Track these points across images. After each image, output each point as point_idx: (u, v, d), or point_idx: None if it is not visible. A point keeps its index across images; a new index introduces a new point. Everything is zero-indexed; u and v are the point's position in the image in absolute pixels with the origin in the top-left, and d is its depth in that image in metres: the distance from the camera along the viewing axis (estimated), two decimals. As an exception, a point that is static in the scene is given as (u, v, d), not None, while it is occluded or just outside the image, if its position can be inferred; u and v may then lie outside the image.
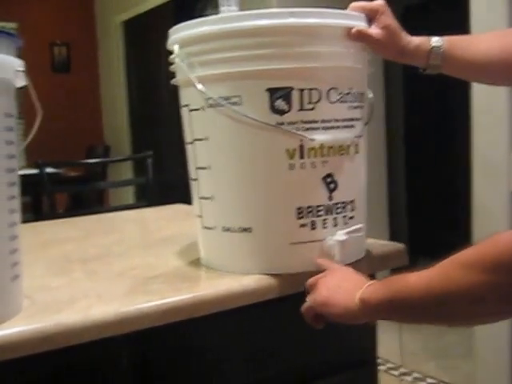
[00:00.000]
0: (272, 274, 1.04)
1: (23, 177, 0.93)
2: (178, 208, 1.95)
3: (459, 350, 3.14)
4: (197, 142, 1.08)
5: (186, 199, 1.95)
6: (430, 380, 2.89)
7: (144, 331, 0.94)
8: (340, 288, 0.92)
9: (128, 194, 4.78)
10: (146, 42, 5.00)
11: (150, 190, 2.62)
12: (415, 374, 2.96)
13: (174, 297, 0.96)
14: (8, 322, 0.87)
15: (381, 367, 3.01)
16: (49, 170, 2.76)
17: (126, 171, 4.90)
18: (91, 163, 3.97)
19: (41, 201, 4.00)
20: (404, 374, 2.97)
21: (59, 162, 3.78)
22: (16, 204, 0.90)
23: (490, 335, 2.48)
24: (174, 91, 1.16)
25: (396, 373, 2.99)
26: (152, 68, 4.86)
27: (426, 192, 4.48)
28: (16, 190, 0.90)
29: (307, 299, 0.97)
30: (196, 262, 1.17)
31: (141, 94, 5.37)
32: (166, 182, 3.77)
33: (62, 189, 3.36)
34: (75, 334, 0.88)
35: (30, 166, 3.31)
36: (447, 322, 0.87)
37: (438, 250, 0.82)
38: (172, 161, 4.24)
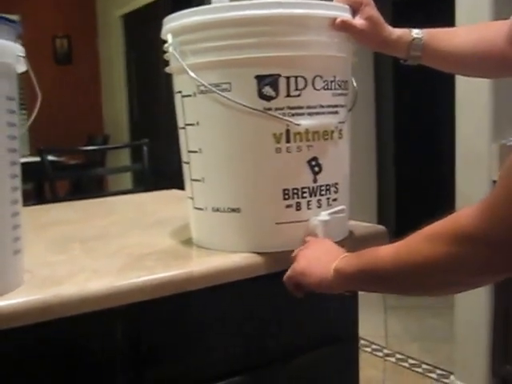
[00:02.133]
0: (259, 252, 1.06)
1: (26, 164, 0.94)
2: (172, 193, 1.96)
3: (440, 333, 3.17)
4: (188, 127, 1.10)
5: (180, 186, 1.97)
6: (412, 361, 2.92)
7: (137, 304, 0.96)
8: (318, 259, 0.95)
9: (126, 180, 4.79)
10: (145, 34, 4.99)
11: (146, 176, 2.64)
12: (398, 356, 2.99)
13: (165, 272, 0.98)
14: (10, 293, 0.89)
15: (366, 349, 3.05)
16: (50, 157, 2.77)
17: (124, 159, 4.91)
18: (91, 150, 3.98)
19: (43, 188, 4.01)
20: (388, 355, 3.00)
21: (60, 148, 3.79)
22: (18, 183, 0.91)
23: (469, 320, 2.51)
24: (171, 82, 1.18)
25: (380, 354, 3.02)
26: (151, 60, 4.85)
27: (413, 179, 4.49)
28: (17, 170, 0.91)
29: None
30: (188, 242, 1.19)
31: (140, 85, 5.37)
32: (161, 170, 3.78)
33: (63, 175, 3.37)
34: (73, 306, 0.90)
35: (32, 154, 3.32)
36: (418, 292, 0.90)
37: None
38: (168, 150, 4.25)
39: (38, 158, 2.68)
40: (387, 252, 0.82)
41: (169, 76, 1.17)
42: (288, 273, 0.99)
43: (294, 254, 1.01)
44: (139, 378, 1.01)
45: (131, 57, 5.44)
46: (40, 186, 4.00)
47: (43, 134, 4.27)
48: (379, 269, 0.83)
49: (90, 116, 5.80)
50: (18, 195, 0.92)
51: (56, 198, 2.58)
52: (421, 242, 0.77)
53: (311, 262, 0.95)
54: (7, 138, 0.87)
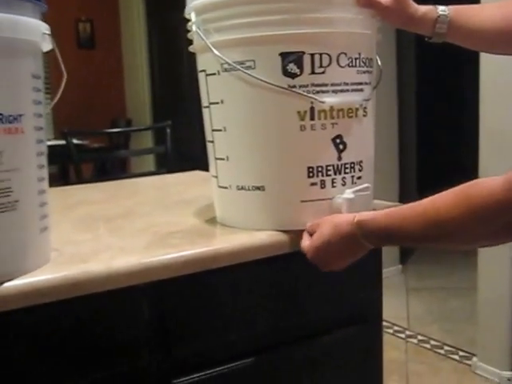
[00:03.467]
0: (283, 231, 1.06)
1: (50, 147, 0.94)
2: (196, 174, 1.96)
3: (463, 315, 3.16)
4: (212, 106, 1.09)
5: (203, 168, 1.96)
6: (434, 342, 2.91)
7: (163, 282, 0.96)
8: (337, 217, 0.98)
9: (149, 163, 4.80)
10: (167, 17, 4.97)
11: (169, 158, 2.65)
12: (420, 337, 2.98)
13: (191, 250, 0.98)
14: (38, 270, 0.89)
15: (388, 330, 3.04)
16: (74, 141, 2.78)
17: (147, 143, 4.92)
18: (114, 133, 3.99)
19: (67, 171, 4.04)
20: (410, 336, 3.00)
21: (84, 131, 3.80)
22: (44, 161, 0.91)
23: (492, 301, 2.49)
24: (196, 65, 1.17)
25: (402, 335, 3.01)
26: (173, 43, 4.85)
27: (435, 159, 4.44)
28: (44, 148, 0.91)
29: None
30: (212, 221, 1.19)
31: (162, 69, 5.36)
32: (184, 152, 3.78)
33: (88, 157, 3.39)
34: (100, 282, 0.90)
35: (57, 138, 3.33)
36: (445, 248, 0.90)
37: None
38: (190, 133, 4.25)
39: (62, 142, 2.70)
40: (414, 208, 0.84)
41: (191, 59, 1.16)
42: (307, 242, 1.00)
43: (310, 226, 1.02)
44: (165, 355, 1.01)
45: (153, 40, 5.43)
46: (64, 169, 4.03)
47: (67, 118, 4.29)
48: (406, 231, 0.84)
49: (113, 100, 5.81)
50: (45, 173, 0.92)
51: (81, 181, 2.59)
52: (448, 205, 0.78)
53: (331, 222, 0.96)
54: (34, 116, 0.87)
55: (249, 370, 1.09)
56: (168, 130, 2.65)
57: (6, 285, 0.84)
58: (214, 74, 1.06)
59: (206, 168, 1.90)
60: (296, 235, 1.05)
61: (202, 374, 1.04)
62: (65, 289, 0.87)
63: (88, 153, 3.78)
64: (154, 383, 1.00)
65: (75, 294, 0.88)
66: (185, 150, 4.06)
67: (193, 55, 1.15)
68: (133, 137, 4.89)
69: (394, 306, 3.29)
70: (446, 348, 2.84)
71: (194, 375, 1.03)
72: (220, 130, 1.08)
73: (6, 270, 0.85)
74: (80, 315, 0.93)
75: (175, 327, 1.02)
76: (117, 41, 5.86)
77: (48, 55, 0.94)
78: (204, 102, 1.12)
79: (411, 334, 3.02)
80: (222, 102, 1.07)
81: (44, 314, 0.89)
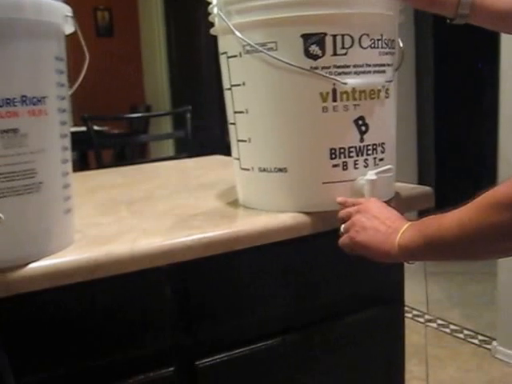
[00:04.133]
0: (306, 212, 1.05)
1: (71, 134, 0.94)
2: (217, 158, 1.96)
3: (482, 300, 3.13)
4: (234, 88, 1.08)
5: (221, 153, 1.96)
6: (453, 327, 2.89)
7: (185, 263, 0.96)
8: (378, 231, 0.92)
9: (168, 150, 4.81)
10: (185, 3, 4.96)
11: (189, 143, 2.64)
12: (439, 321, 2.96)
13: (213, 231, 0.98)
14: (62, 251, 0.89)
15: (407, 315, 3.03)
16: (94, 127, 2.79)
17: (166, 129, 4.92)
18: (134, 118, 3.99)
19: (87, 157, 4.06)
20: (429, 321, 2.98)
21: (104, 116, 3.81)
22: (67, 143, 0.91)
23: (512, 285, 2.47)
24: (214, 52, 1.16)
25: (421, 320, 2.99)
26: (191, 30, 4.83)
27: (454, 141, 4.39)
28: (67, 130, 0.91)
29: (342, 229, 0.98)
30: (234, 203, 1.19)
31: (180, 56, 5.35)
32: (202, 139, 3.78)
33: (108, 142, 3.39)
34: (123, 264, 0.90)
35: (77, 125, 3.34)
36: (484, 258, 0.88)
37: (463, 199, 0.82)
38: (209, 119, 4.25)
39: (82, 128, 2.70)
40: (450, 222, 0.80)
41: (210, 45, 1.16)
42: (345, 241, 0.97)
43: (343, 215, 1.00)
44: (187, 336, 1.02)
45: (172, 27, 5.42)
46: (85, 156, 4.04)
47: (86, 107, 4.29)
48: (444, 241, 0.81)
49: (132, 88, 5.81)
50: (68, 155, 0.92)
51: (101, 167, 2.60)
52: (484, 210, 0.75)
53: (371, 235, 0.92)
54: (57, 98, 0.87)
55: (271, 351, 1.09)
56: (188, 115, 2.65)
57: (31, 266, 0.84)
58: (236, 56, 1.06)
59: (223, 154, 1.91)
60: (318, 217, 1.05)
61: (225, 355, 1.04)
62: (88, 270, 0.88)
63: (108, 138, 3.79)
64: (177, 364, 1.01)
65: (99, 276, 0.89)
66: (203, 137, 4.06)
67: (212, 41, 1.14)
68: (152, 123, 4.90)
69: (413, 291, 3.27)
70: (466, 332, 2.82)
71: (217, 356, 1.04)
72: (242, 112, 1.08)
73: (30, 252, 0.85)
74: (103, 297, 0.93)
75: (198, 309, 1.02)
76: (135, 28, 5.86)
77: (66, 43, 0.93)
78: (225, 85, 1.12)
79: (430, 318, 3.01)
80: (243, 84, 1.06)
81: (68, 295, 0.90)
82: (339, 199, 1.03)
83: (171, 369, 1.00)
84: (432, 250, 0.84)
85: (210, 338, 1.04)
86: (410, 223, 0.90)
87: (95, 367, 0.94)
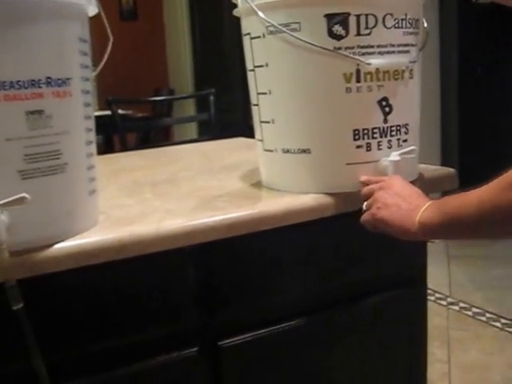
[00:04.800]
0: (329, 193, 1.04)
1: (96, 118, 0.94)
2: (240, 141, 1.95)
3: (505, 283, 3.10)
4: (257, 69, 1.07)
5: (244, 136, 1.95)
6: (475, 310, 2.87)
7: (208, 244, 0.96)
8: (399, 208, 0.91)
9: (191, 133, 4.81)
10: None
11: (213, 126, 2.64)
12: (462, 304, 2.94)
13: (237, 212, 0.97)
14: (87, 232, 0.89)
15: (430, 297, 3.01)
16: (119, 111, 2.80)
17: (190, 112, 4.92)
18: (157, 102, 4.00)
19: (112, 140, 4.07)
20: (451, 303, 2.96)
21: (128, 99, 3.82)
22: (91, 124, 0.91)
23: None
24: (237, 35, 1.15)
25: (444, 303, 2.98)
26: (215, 13, 4.81)
27: (477, 123, 4.31)
28: (91, 111, 0.91)
29: (364, 207, 0.98)
30: (257, 184, 1.18)
31: (204, 40, 5.34)
32: (225, 122, 3.77)
33: (133, 126, 3.40)
34: (148, 244, 0.90)
35: (101, 109, 3.36)
36: (499, 237, 0.86)
37: (486, 178, 0.81)
38: (232, 102, 4.24)
39: (107, 112, 2.71)
40: (470, 201, 0.79)
41: (233, 29, 1.15)
42: (367, 218, 0.96)
43: (366, 192, 0.99)
44: (210, 317, 1.02)
45: (195, 10, 5.40)
46: (110, 139, 4.06)
47: (110, 91, 4.30)
48: (463, 219, 0.80)
49: (155, 72, 5.81)
50: (92, 136, 0.92)
51: (125, 150, 2.61)
52: (504, 190, 0.73)
53: (393, 211, 0.91)
54: (81, 80, 0.87)
55: (294, 332, 1.09)
56: (211, 98, 2.64)
57: (57, 246, 0.84)
58: (259, 37, 1.05)
59: (246, 136, 1.90)
60: (341, 198, 1.04)
61: (247, 335, 1.04)
62: (113, 251, 0.88)
63: (132, 121, 3.80)
64: (200, 345, 1.01)
65: (123, 256, 0.89)
66: (226, 120, 4.05)
67: (235, 24, 1.13)
68: (175, 106, 4.90)
69: (436, 274, 3.24)
70: (488, 315, 2.80)
71: (240, 337, 1.04)
72: (265, 94, 1.07)
73: (56, 232, 0.86)
74: (127, 277, 0.93)
75: (221, 289, 1.02)
76: (159, 12, 5.84)
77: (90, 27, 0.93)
78: (249, 66, 1.11)
79: (453, 301, 2.99)
80: (266, 65, 1.05)
81: (92, 275, 0.90)
82: (363, 178, 1.02)
83: (194, 349, 1.00)
84: (452, 228, 0.83)
85: (233, 318, 1.04)
86: (431, 201, 0.89)
87: (119, 347, 0.95)
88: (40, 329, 0.83)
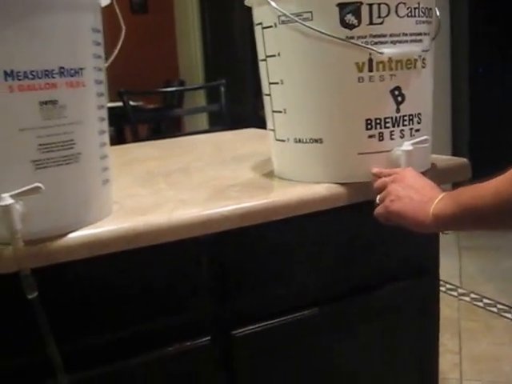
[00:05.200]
0: (341, 183, 1.04)
1: (108, 109, 0.94)
2: (252, 131, 1.95)
3: (517, 275, 3.09)
4: (269, 59, 1.07)
5: (254, 127, 1.95)
6: (486, 301, 2.86)
7: (222, 234, 0.96)
8: (412, 200, 0.91)
9: (202, 124, 4.80)
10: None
11: (224, 116, 2.64)
12: (473, 295, 2.93)
13: (250, 202, 0.97)
14: (100, 221, 0.90)
15: (441, 288, 2.99)
16: (130, 103, 2.80)
17: (200, 103, 4.92)
18: (168, 93, 4.00)
19: (124, 132, 4.08)
20: (462, 294, 2.95)
21: (139, 91, 3.83)
22: (104, 114, 0.91)
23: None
24: (247, 26, 1.14)
25: (455, 293, 2.97)
26: (225, 5, 4.80)
27: (488, 113, 4.28)
28: (104, 101, 0.91)
29: (378, 200, 0.97)
30: (269, 174, 1.18)
31: (214, 32, 5.33)
32: (235, 114, 3.77)
33: (144, 117, 3.40)
34: (161, 234, 0.90)
35: (112, 100, 3.36)
36: None
37: (497, 170, 0.80)
38: (242, 95, 4.23)
39: (118, 104, 2.72)
40: (485, 192, 0.78)
41: (244, 20, 1.14)
42: (380, 211, 0.96)
43: (379, 185, 0.98)
44: (224, 306, 1.02)
45: (205, 3, 5.38)
46: (121, 131, 4.07)
47: (121, 83, 4.31)
48: (478, 210, 0.79)
49: (166, 64, 5.81)
50: (105, 126, 0.92)
51: (137, 141, 2.61)
52: None
53: (406, 203, 0.91)
54: (94, 70, 0.87)
55: (306, 322, 1.09)
56: (222, 89, 2.64)
57: (71, 236, 0.85)
58: (271, 26, 1.04)
59: (257, 127, 1.89)
60: (354, 188, 1.04)
61: (261, 325, 1.05)
62: (127, 240, 0.88)
63: (144, 112, 3.81)
64: (213, 334, 1.01)
65: (137, 245, 0.89)
66: (236, 112, 4.05)
67: (246, 15, 1.13)
68: (186, 98, 4.90)
69: (447, 265, 3.23)
70: (499, 306, 2.79)
71: (253, 326, 1.04)
72: (277, 83, 1.06)
73: (70, 221, 0.86)
74: (140, 267, 0.94)
75: (234, 279, 1.02)
76: (169, 4, 5.83)
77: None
78: (260, 56, 1.10)
79: (464, 292, 2.98)
80: (278, 54, 1.05)
81: (106, 264, 0.90)
82: (374, 170, 1.02)
83: (207, 338, 1.00)
84: (466, 219, 0.83)
85: (246, 308, 1.04)
86: (444, 193, 0.88)
87: (133, 336, 0.95)
88: (54, 318, 0.83)
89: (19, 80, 0.76)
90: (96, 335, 0.92)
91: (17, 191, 0.77)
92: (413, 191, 0.92)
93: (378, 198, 0.97)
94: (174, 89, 4.28)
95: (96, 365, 0.92)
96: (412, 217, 0.90)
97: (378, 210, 0.96)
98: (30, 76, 0.77)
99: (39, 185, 0.78)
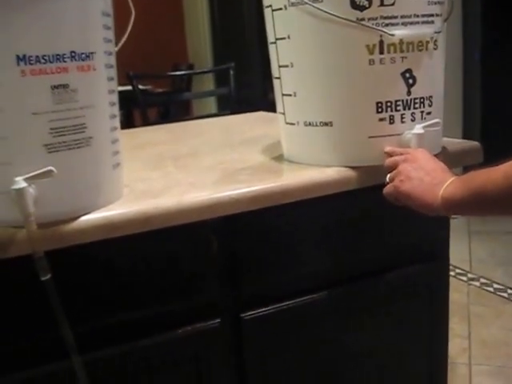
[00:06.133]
0: (351, 167, 1.05)
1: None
2: (261, 115, 1.95)
3: (528, 259, 3.09)
4: (279, 41, 1.07)
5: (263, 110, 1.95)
6: (496, 286, 2.86)
7: (232, 217, 0.97)
8: (422, 182, 0.91)
9: (211, 107, 4.80)
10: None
11: (232, 100, 2.64)
12: (483, 280, 2.93)
13: (259, 185, 0.98)
14: (112, 204, 0.91)
15: (450, 273, 2.99)
16: (139, 86, 2.80)
17: (209, 87, 4.91)
18: (177, 77, 3.99)
19: (133, 116, 4.08)
20: (472, 279, 2.95)
21: (149, 74, 3.82)
22: (115, 98, 0.92)
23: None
24: (256, 9, 1.14)
25: (464, 278, 2.97)
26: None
27: (500, 96, 4.24)
28: (114, 85, 0.92)
29: (388, 179, 0.97)
30: (279, 158, 1.18)
31: (222, 15, 5.30)
32: (245, 98, 3.76)
33: (153, 100, 3.40)
34: (171, 217, 0.91)
35: (121, 84, 3.36)
36: None
37: (509, 155, 0.79)
38: (251, 78, 4.22)
39: (128, 87, 2.72)
40: (495, 176, 0.78)
41: (252, 3, 1.14)
42: (390, 190, 0.96)
43: (390, 164, 0.99)
44: (233, 289, 1.03)
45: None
46: (130, 114, 4.07)
47: (128, 67, 4.30)
48: (488, 194, 0.79)
49: (174, 47, 5.79)
50: (116, 110, 0.93)
51: (147, 125, 2.61)
52: None
53: (416, 185, 0.91)
54: (104, 54, 0.87)
55: (315, 305, 1.10)
56: (231, 72, 2.64)
57: (83, 219, 0.86)
58: (281, 8, 1.04)
59: (266, 111, 1.89)
60: (364, 171, 1.04)
61: (270, 308, 1.06)
62: (138, 223, 0.89)
63: (153, 96, 3.81)
64: (222, 317, 1.02)
65: (147, 228, 0.90)
66: (245, 95, 4.04)
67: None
68: (194, 81, 4.88)
69: (456, 249, 3.23)
70: (510, 291, 2.78)
71: (262, 309, 1.05)
72: (287, 66, 1.06)
73: (81, 205, 0.87)
74: (151, 249, 0.95)
75: (244, 262, 1.03)
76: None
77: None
78: (270, 38, 1.10)
79: (473, 276, 2.98)
80: (288, 37, 1.05)
81: (118, 247, 0.91)
82: (387, 149, 1.02)
83: (217, 321, 1.02)
84: (476, 203, 0.83)
85: (256, 291, 1.05)
86: (455, 177, 0.88)
87: (143, 318, 0.97)
88: (67, 299, 0.84)
89: (31, 64, 0.77)
90: (107, 317, 0.94)
91: (30, 174, 0.78)
92: (423, 173, 0.93)
93: (388, 176, 0.98)
94: (182, 72, 4.26)
95: (108, 346, 0.94)
96: (421, 198, 0.90)
97: (388, 189, 0.97)
98: (42, 60, 0.78)
99: (51, 168, 0.79)
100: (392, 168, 0.98)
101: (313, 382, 1.14)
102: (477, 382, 2.09)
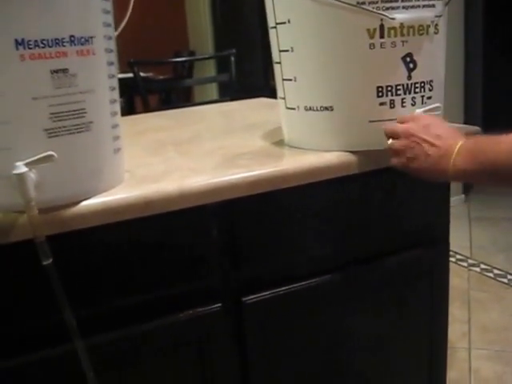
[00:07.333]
0: (351, 151, 1.04)
1: (118, 80, 0.94)
2: (260, 101, 1.94)
3: (528, 245, 3.09)
4: (279, 26, 1.06)
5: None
6: (497, 271, 2.86)
7: (232, 201, 0.96)
8: (428, 156, 0.90)
9: (212, 94, 4.79)
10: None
11: (233, 86, 2.63)
12: (483, 266, 2.93)
13: (260, 170, 0.98)
14: (112, 190, 0.91)
15: (451, 259, 2.99)
16: (140, 74, 2.79)
17: (210, 73, 4.89)
18: (179, 63, 3.98)
19: (134, 102, 4.07)
20: (472, 265, 2.96)
21: (150, 60, 3.80)
22: (115, 83, 0.92)
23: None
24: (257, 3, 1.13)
25: (465, 264, 2.97)
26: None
27: (503, 79, 4.22)
28: (114, 70, 0.91)
29: (389, 143, 0.97)
30: (280, 143, 1.18)
31: (224, 3, 5.28)
32: (246, 84, 3.75)
33: (154, 87, 3.39)
34: (172, 201, 0.91)
35: (122, 72, 3.35)
36: None
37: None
38: (252, 65, 4.21)
39: (129, 75, 2.71)
40: (506, 147, 0.79)
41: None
42: (398, 166, 0.96)
43: (390, 129, 0.98)
44: (234, 273, 1.03)
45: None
46: (131, 101, 4.06)
47: (129, 54, 4.29)
48: (500, 166, 0.80)
49: (175, 34, 5.77)
50: (116, 95, 0.92)
51: (148, 111, 2.61)
52: None
53: (423, 161, 0.91)
54: (104, 38, 0.87)
55: (317, 289, 1.10)
56: (232, 58, 2.63)
57: (84, 203, 0.86)
58: (281, -8, 1.03)
59: (266, 97, 1.89)
60: (364, 156, 1.04)
61: (271, 292, 1.06)
62: (138, 207, 0.89)
63: (154, 83, 3.80)
64: (224, 300, 1.03)
65: (148, 213, 0.90)
66: (246, 82, 4.03)
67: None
68: (196, 68, 4.87)
69: (457, 235, 3.23)
70: (510, 277, 2.79)
71: (263, 293, 1.05)
72: (287, 51, 1.06)
73: (82, 189, 0.87)
74: (152, 234, 0.95)
75: (244, 246, 1.03)
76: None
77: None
78: (270, 23, 1.10)
79: (474, 262, 2.98)
80: (288, 21, 1.04)
81: (119, 232, 0.91)
82: (386, 127, 1.00)
83: (218, 305, 1.02)
84: (488, 175, 0.83)
85: (257, 275, 1.05)
86: (461, 143, 0.88)
87: (145, 302, 0.97)
88: (69, 283, 0.84)
89: (30, 49, 0.76)
90: (109, 301, 0.94)
91: (30, 159, 0.78)
92: (427, 145, 0.91)
93: (391, 141, 0.98)
94: (183, 59, 4.24)
95: (109, 330, 0.94)
96: (430, 174, 0.91)
97: (396, 164, 0.96)
98: (41, 45, 0.77)
99: (52, 153, 0.79)
100: (392, 134, 0.97)
101: (314, 364, 1.14)
102: (476, 366, 2.10)
